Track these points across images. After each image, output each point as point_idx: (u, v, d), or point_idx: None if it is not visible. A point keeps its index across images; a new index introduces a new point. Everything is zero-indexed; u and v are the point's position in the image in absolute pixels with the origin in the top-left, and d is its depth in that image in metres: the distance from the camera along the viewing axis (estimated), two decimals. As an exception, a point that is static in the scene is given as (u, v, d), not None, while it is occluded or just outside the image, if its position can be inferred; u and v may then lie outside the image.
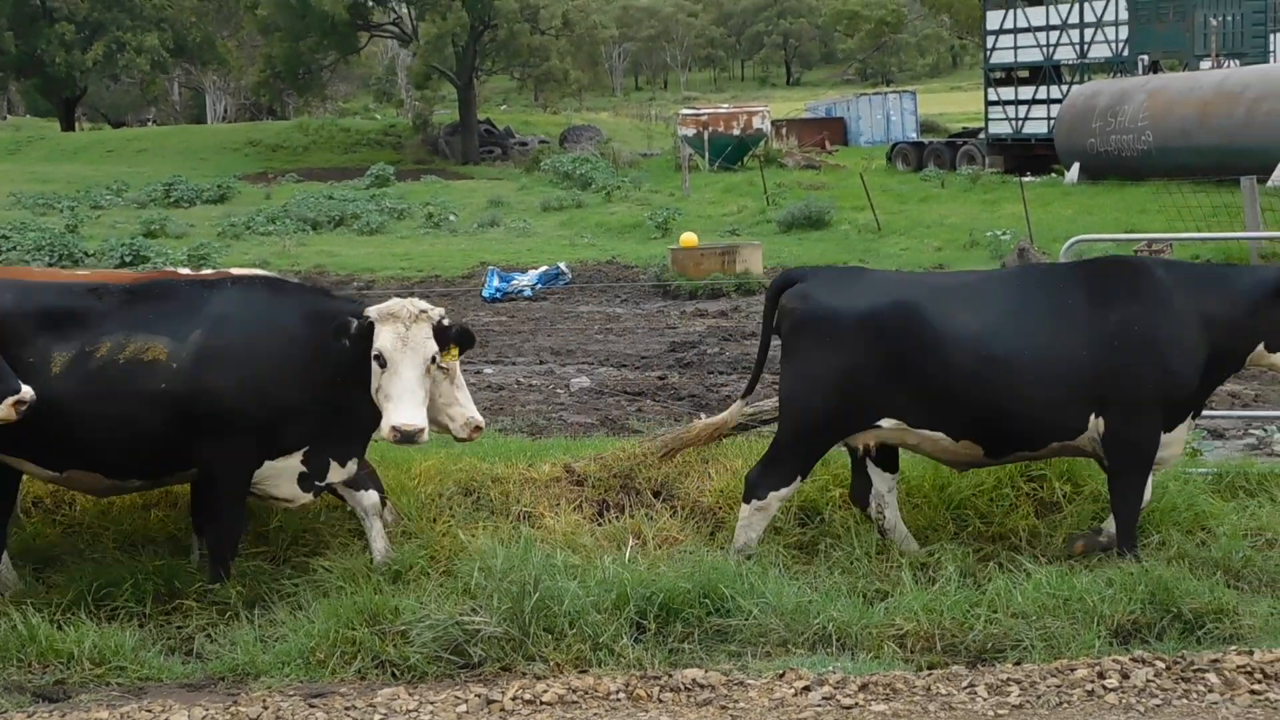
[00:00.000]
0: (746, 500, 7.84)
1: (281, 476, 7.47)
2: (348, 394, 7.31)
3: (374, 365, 7.13)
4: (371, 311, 7.21)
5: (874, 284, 7.90)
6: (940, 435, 7.66)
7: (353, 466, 7.67)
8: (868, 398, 7.60)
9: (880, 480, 7.97)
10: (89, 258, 25.97)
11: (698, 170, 45.88)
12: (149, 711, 6.05)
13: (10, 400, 6.84)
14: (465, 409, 7.80)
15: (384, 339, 7.10)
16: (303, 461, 7.45)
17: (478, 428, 7.85)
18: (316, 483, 7.57)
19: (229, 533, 7.51)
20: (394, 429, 6.98)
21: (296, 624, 6.96)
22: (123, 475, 7.44)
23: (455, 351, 7.43)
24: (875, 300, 7.67)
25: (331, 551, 7.85)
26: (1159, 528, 8.11)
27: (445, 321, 7.36)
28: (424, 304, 7.31)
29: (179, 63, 72.50)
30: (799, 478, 7.86)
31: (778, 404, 8.16)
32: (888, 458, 8.00)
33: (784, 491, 7.80)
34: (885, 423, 7.67)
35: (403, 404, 7.01)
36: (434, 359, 7.19)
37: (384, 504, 7.93)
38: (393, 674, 6.61)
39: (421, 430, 7.02)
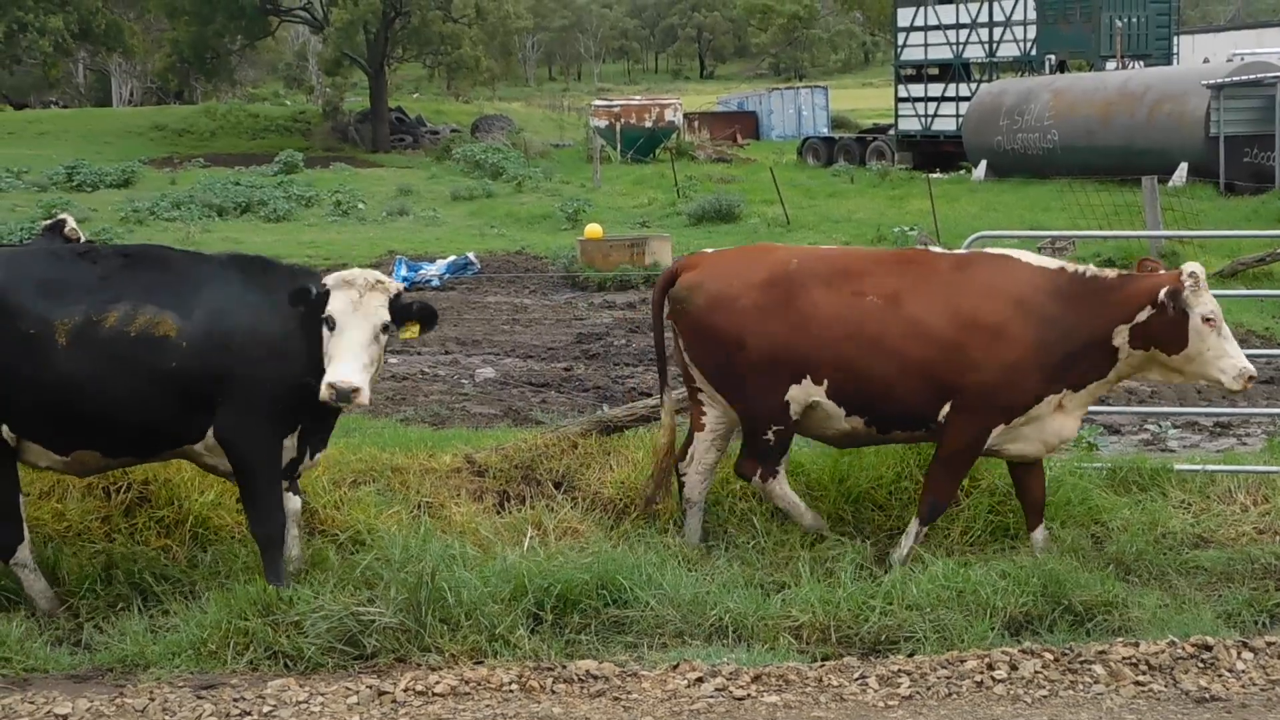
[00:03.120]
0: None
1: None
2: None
3: (324, 330, 6.98)
4: (329, 279, 7.07)
5: None
6: None
7: (319, 458, 7.55)
8: None
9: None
10: (-14, 241, 25.44)
11: (609, 162, 45.89)
12: (32, 703, 5.93)
13: None
14: (1236, 360, 7.46)
15: (336, 303, 6.96)
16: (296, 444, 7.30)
17: (1251, 377, 7.45)
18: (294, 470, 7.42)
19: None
20: (330, 385, 6.79)
21: (188, 614, 6.87)
22: None
23: (416, 328, 7.30)
24: None
25: (226, 543, 7.77)
26: (1054, 521, 8.22)
27: (405, 299, 7.22)
28: (382, 275, 7.18)
29: (83, 45, 71.16)
30: None
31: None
32: None
33: None
34: None
35: (343, 362, 6.85)
36: (385, 327, 7.04)
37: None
38: (286, 665, 6.54)
39: (358, 390, 6.83)
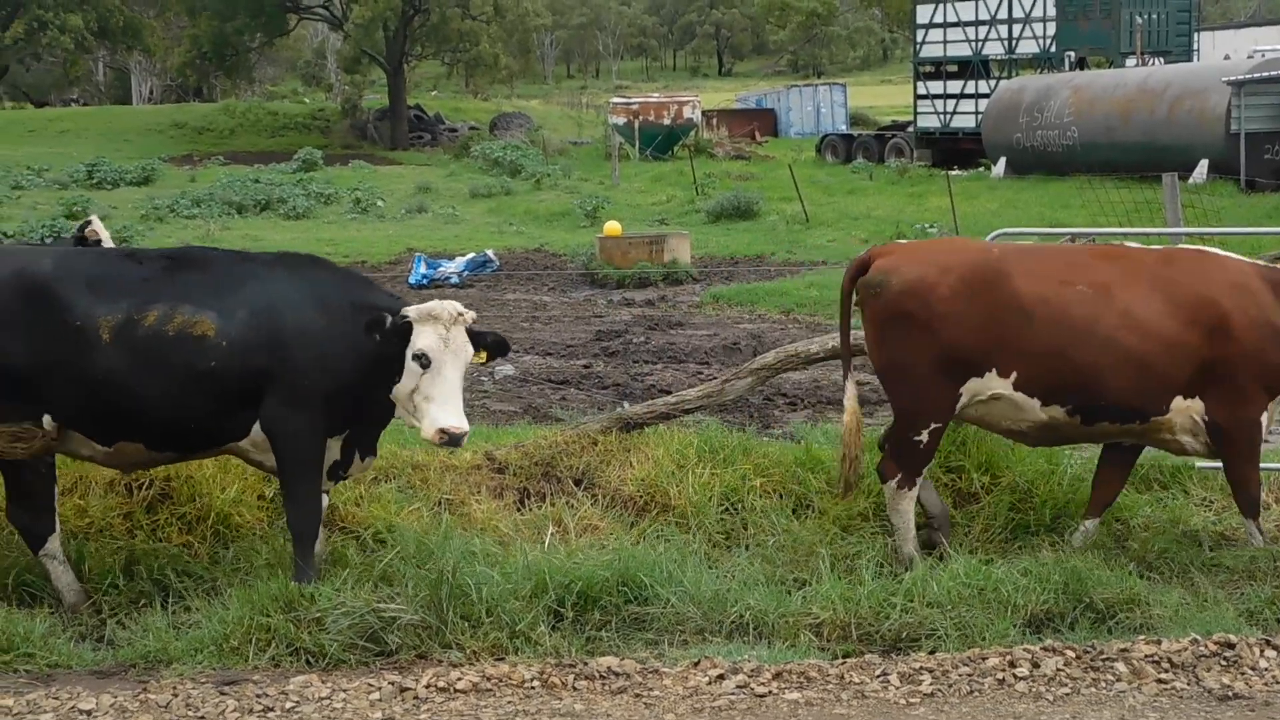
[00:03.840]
0: None
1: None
2: (375, 388, 7.19)
3: (413, 365, 7.01)
4: (411, 312, 7.08)
5: None
6: None
7: (369, 462, 7.63)
8: None
9: None
10: (8, 238, 25.56)
11: (627, 159, 45.88)
12: (56, 699, 5.96)
13: None
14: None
15: (426, 339, 6.99)
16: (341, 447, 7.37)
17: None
18: (341, 473, 7.50)
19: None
20: (441, 431, 6.89)
21: (211, 611, 6.89)
22: None
23: (484, 356, 7.34)
24: None
25: (248, 539, 7.79)
26: (1076, 519, 8.21)
27: (476, 327, 7.27)
28: (460, 306, 7.20)
29: (103, 43, 71.38)
30: None
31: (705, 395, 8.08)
32: None
33: None
34: None
35: (448, 406, 6.94)
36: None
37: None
38: (308, 661, 6.56)
39: (467, 434, 7.00)
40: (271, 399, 7.07)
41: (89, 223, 9.44)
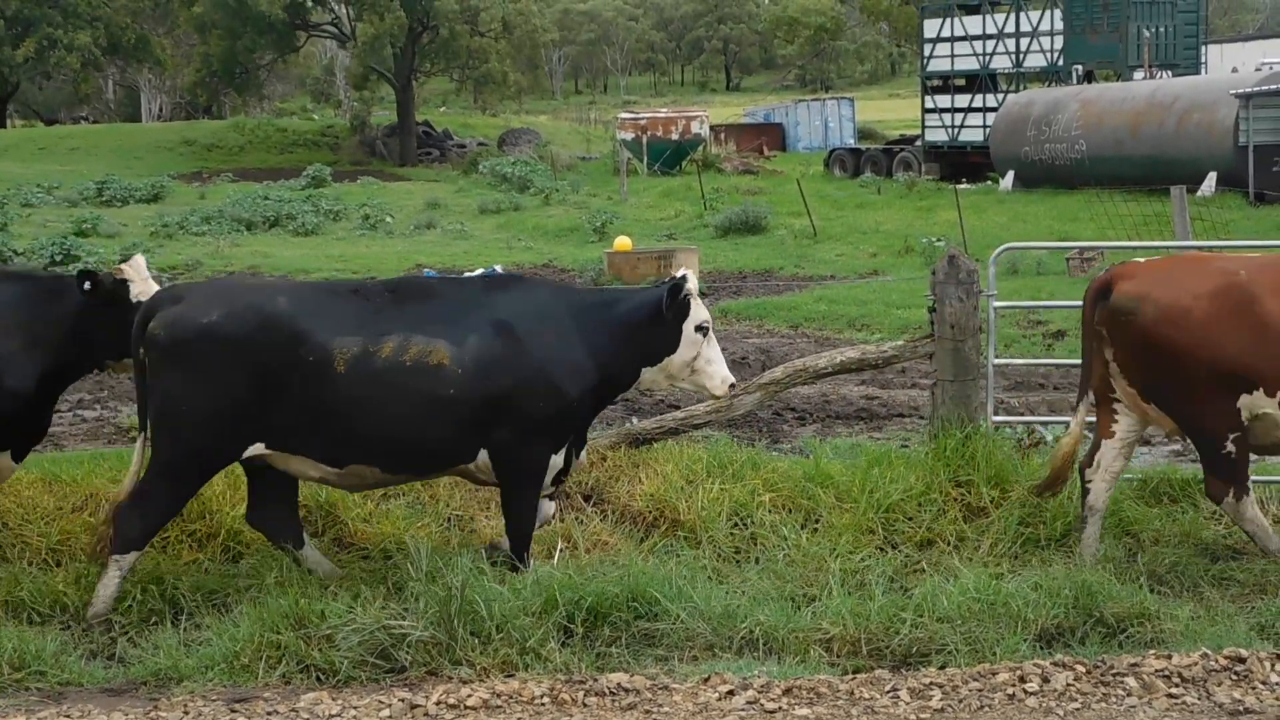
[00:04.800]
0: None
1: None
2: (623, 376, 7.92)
3: (695, 336, 7.78)
4: (692, 287, 7.81)
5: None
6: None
7: (584, 456, 8.14)
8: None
9: None
10: (18, 256, 25.65)
11: (636, 174, 45.93)
12: (67, 716, 5.97)
13: None
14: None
15: (701, 310, 7.86)
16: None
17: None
18: (563, 478, 7.97)
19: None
20: (731, 384, 7.95)
21: (221, 628, 6.90)
22: None
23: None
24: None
25: (258, 556, 7.80)
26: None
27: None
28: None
29: (113, 61, 71.65)
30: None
31: None
32: None
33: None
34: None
35: (722, 362, 7.92)
36: None
37: None
38: (318, 678, 6.56)
39: None
40: (503, 426, 7.44)
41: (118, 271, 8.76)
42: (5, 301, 7.70)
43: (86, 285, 7.63)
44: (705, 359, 7.82)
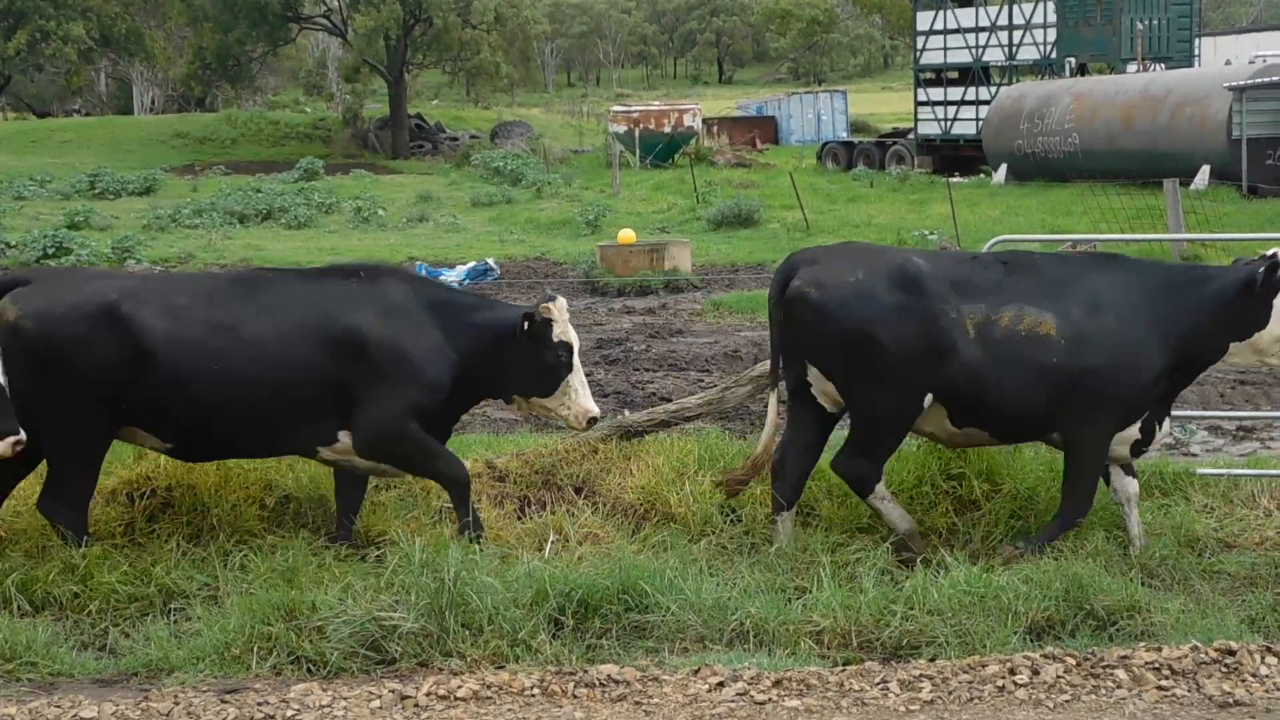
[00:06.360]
0: None
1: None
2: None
3: None
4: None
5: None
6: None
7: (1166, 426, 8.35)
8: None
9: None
10: (10, 249, 25.61)
11: (628, 167, 45.88)
12: (58, 707, 5.98)
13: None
14: None
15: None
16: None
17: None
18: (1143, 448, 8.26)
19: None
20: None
21: (212, 619, 6.91)
22: None
23: None
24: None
25: (249, 548, 7.80)
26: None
27: None
28: None
29: (105, 53, 71.49)
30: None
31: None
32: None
33: None
34: None
35: None
36: None
37: None
38: (309, 670, 6.57)
39: None
40: (1073, 399, 7.84)
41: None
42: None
43: (525, 325, 7.84)
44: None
